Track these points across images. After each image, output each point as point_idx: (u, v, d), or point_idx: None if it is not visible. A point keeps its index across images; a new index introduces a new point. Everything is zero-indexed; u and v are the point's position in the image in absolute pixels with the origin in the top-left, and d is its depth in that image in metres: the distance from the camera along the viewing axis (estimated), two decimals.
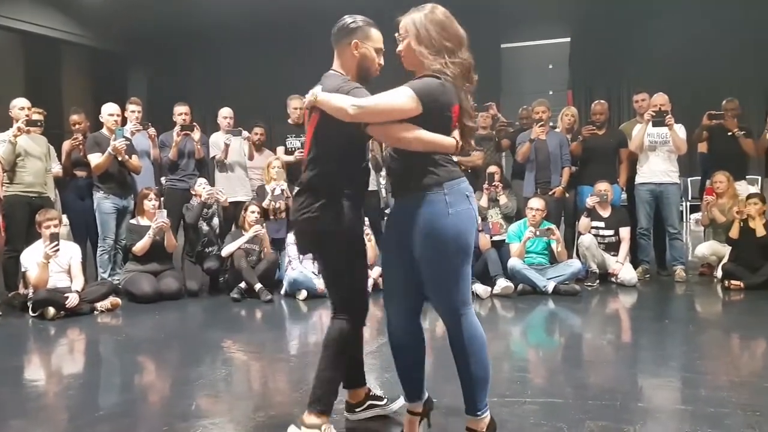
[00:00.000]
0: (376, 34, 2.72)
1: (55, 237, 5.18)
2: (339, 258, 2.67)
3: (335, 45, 2.74)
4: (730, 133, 6.50)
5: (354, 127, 2.46)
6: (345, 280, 2.72)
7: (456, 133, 2.54)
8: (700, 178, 7.79)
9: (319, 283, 5.82)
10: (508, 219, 6.49)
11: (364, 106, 2.40)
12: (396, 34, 2.58)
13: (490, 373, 2.60)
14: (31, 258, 5.29)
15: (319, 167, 2.62)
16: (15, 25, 11.68)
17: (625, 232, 6.24)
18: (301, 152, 6.45)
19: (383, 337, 4.43)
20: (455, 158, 2.58)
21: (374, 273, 6.05)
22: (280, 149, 6.78)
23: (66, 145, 6.33)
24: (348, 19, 2.74)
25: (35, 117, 5.89)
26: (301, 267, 5.88)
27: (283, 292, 5.89)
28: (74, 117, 6.47)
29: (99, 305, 5.36)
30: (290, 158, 6.57)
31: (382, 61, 2.71)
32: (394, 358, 2.72)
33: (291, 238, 5.87)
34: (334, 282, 2.76)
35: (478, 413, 2.56)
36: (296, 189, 2.74)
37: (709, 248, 6.51)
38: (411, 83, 2.45)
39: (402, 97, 2.38)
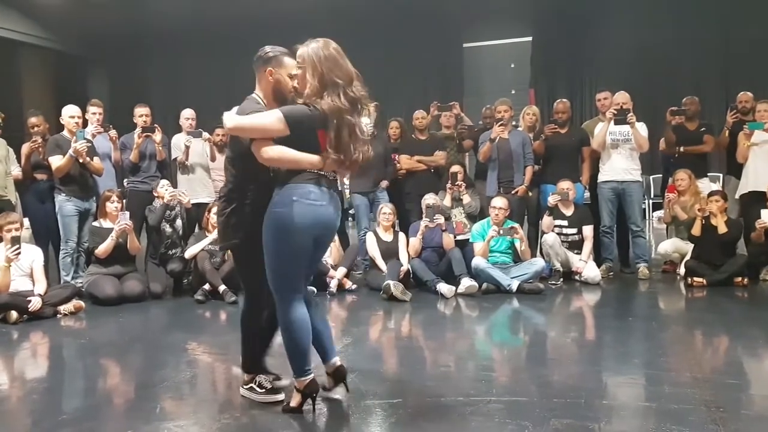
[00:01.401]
0: (289, 62, 3.02)
1: (16, 240, 5.09)
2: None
3: (255, 71, 3.08)
4: (676, 154, 6.68)
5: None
6: (248, 269, 3.13)
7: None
8: (662, 175, 7.95)
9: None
10: (472, 218, 6.55)
11: (238, 123, 2.82)
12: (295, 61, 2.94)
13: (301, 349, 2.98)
14: None
15: (228, 177, 3.09)
16: None
17: (588, 230, 6.33)
18: None
19: (348, 338, 4.46)
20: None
21: (339, 273, 6.06)
22: None
23: (25, 147, 6.19)
24: (267, 48, 3.06)
25: None
26: None
27: None
28: (32, 120, 6.34)
29: (62, 308, 5.27)
30: None
31: (295, 84, 2.97)
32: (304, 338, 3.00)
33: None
34: (240, 271, 3.24)
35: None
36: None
37: (671, 246, 6.63)
38: (282, 107, 2.86)
39: (271, 118, 2.79)
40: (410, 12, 12.42)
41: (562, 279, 6.19)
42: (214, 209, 5.98)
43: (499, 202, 6.02)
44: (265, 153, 2.80)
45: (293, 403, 3.02)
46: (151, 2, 11.79)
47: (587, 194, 6.77)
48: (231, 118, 2.84)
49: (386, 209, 6.30)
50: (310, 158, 2.86)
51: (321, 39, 2.90)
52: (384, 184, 6.77)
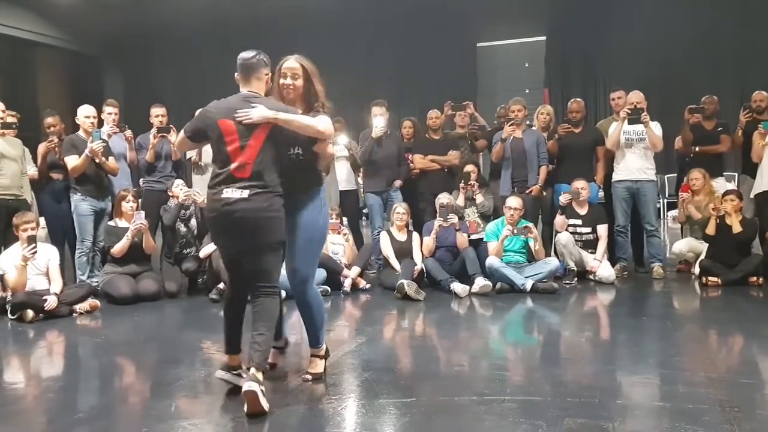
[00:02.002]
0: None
1: (32, 240, 5.14)
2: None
3: (251, 72, 3.34)
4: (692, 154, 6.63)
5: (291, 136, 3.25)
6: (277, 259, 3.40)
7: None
8: (676, 175, 7.90)
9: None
10: (485, 218, 6.54)
11: (327, 127, 3.30)
12: (288, 71, 3.39)
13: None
14: (8, 261, 5.24)
15: (272, 174, 3.24)
16: None
17: (602, 229, 6.30)
18: None
19: (362, 337, 4.46)
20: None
21: (353, 273, 6.07)
22: None
23: (41, 147, 6.25)
24: (254, 53, 3.38)
25: (9, 120, 5.82)
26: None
27: None
28: (48, 120, 6.40)
29: (78, 307, 5.32)
30: None
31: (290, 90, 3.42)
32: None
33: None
34: (264, 260, 3.31)
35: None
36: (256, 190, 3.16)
37: (686, 245, 6.59)
38: (324, 115, 3.39)
39: (329, 124, 3.36)
40: (424, 12, 12.43)
41: (576, 278, 6.16)
42: None
43: (514, 201, 6.01)
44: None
45: (320, 369, 3.49)
46: (166, 2, 11.88)
47: (602, 194, 6.75)
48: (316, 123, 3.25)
49: (400, 209, 6.30)
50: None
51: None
52: (397, 183, 6.77)
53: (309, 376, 3.45)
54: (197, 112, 3.39)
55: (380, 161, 6.69)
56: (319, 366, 3.50)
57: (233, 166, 3.15)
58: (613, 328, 4.88)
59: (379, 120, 6.57)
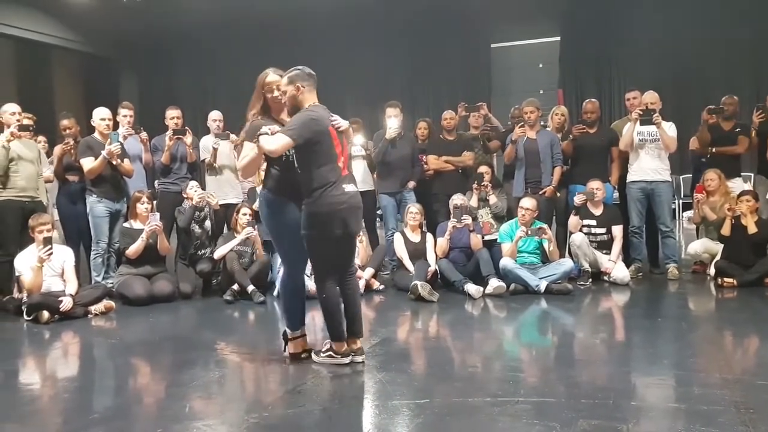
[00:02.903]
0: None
1: (48, 241, 5.18)
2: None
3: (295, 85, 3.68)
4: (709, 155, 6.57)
5: None
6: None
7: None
8: (692, 175, 7.83)
9: (311, 285, 5.81)
10: (499, 219, 6.51)
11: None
12: (273, 85, 3.71)
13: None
14: (24, 262, 5.28)
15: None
16: (6, 31, 11.64)
17: (617, 230, 6.26)
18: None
19: (376, 338, 4.46)
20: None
21: (366, 274, 6.07)
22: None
23: (57, 149, 6.31)
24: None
25: (26, 122, 5.88)
26: None
27: (275, 293, 5.87)
28: (64, 122, 6.46)
29: (93, 308, 5.35)
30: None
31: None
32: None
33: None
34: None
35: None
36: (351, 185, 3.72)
37: (701, 246, 6.54)
38: None
39: None
40: (438, 12, 12.41)
41: (590, 279, 6.12)
42: (243, 210, 6.07)
43: (527, 202, 5.98)
44: None
45: (290, 350, 3.91)
46: (180, 5, 11.95)
47: (616, 194, 6.71)
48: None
49: (413, 209, 6.30)
50: None
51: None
52: (411, 184, 6.76)
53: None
54: (302, 121, 3.56)
55: (394, 162, 6.69)
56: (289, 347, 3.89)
57: (340, 165, 3.66)
58: (627, 330, 4.85)
59: (392, 121, 6.58)
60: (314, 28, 12.40)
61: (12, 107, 5.89)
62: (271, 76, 3.75)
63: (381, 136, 6.72)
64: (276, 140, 3.50)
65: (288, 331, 3.91)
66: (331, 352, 3.75)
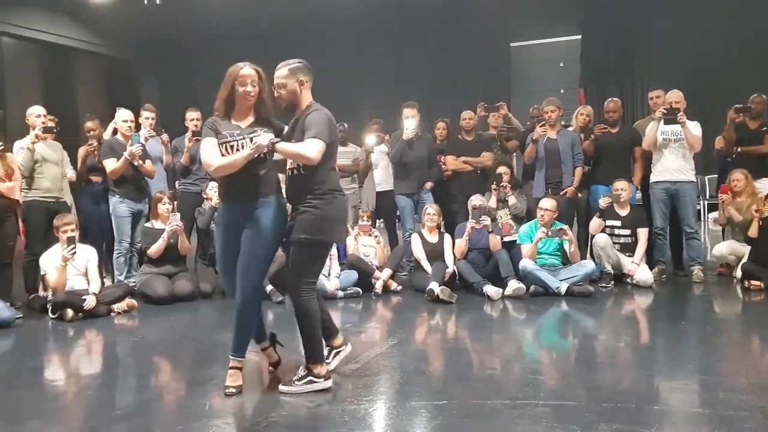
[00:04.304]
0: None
1: (72, 241, 5.26)
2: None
3: (292, 78, 3.46)
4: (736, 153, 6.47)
5: None
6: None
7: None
8: (717, 175, 7.71)
9: (329, 285, 5.84)
10: (518, 220, 6.47)
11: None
12: (248, 79, 3.40)
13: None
14: (49, 261, 5.37)
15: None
16: (30, 34, 11.83)
17: (643, 232, 6.17)
18: None
19: (393, 339, 4.45)
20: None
21: (384, 275, 6.06)
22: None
23: (81, 151, 6.40)
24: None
25: (50, 124, 5.97)
26: None
27: None
28: (89, 124, 6.54)
29: (115, 307, 5.42)
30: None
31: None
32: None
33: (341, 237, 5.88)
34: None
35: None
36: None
37: (727, 248, 6.43)
38: None
39: None
40: (457, 12, 12.38)
41: (613, 282, 6.05)
42: None
43: (547, 203, 5.93)
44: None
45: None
46: (200, 8, 12.05)
47: (639, 195, 6.63)
48: None
49: (431, 210, 6.28)
50: None
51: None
52: (428, 185, 6.73)
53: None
54: (324, 121, 3.31)
55: (411, 163, 6.66)
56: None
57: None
58: (650, 333, 4.79)
59: (410, 122, 6.55)
60: (333, 28, 12.43)
61: (37, 110, 5.99)
62: (247, 69, 3.42)
63: (398, 136, 6.71)
64: (312, 146, 3.21)
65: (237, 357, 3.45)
66: (311, 377, 3.33)
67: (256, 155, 3.22)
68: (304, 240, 3.29)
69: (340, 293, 5.88)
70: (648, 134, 6.31)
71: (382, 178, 7.22)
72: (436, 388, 3.43)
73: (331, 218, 3.37)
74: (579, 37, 12.74)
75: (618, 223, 6.20)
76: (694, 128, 6.16)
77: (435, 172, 6.82)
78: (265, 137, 3.25)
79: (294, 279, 3.35)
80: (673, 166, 6.24)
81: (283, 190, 3.47)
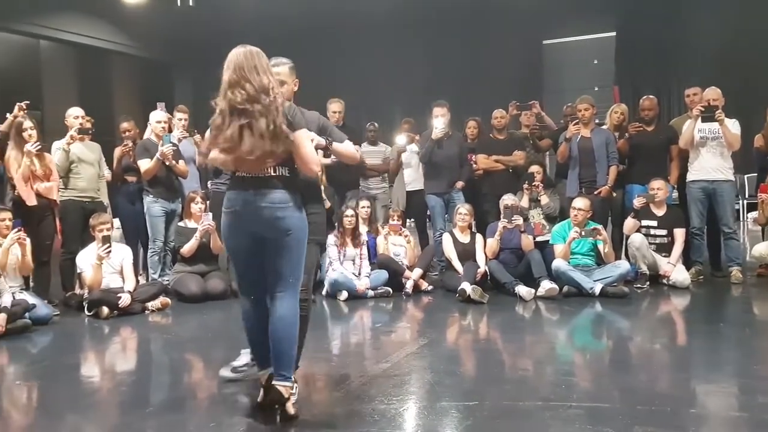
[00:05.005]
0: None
1: (107, 240, 5.36)
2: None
3: (288, 77, 3.40)
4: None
5: None
6: None
7: None
8: (756, 174, 7.53)
9: (359, 284, 5.85)
10: (551, 219, 6.39)
11: None
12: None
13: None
14: (85, 260, 5.47)
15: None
16: (67, 37, 12.10)
17: (679, 233, 6.04)
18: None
19: (424, 339, 4.44)
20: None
21: (415, 274, 6.05)
22: (319, 152, 6.80)
23: (117, 151, 6.52)
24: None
25: (86, 125, 6.09)
26: (341, 268, 5.93)
27: (324, 292, 5.94)
28: (124, 125, 6.65)
29: (150, 305, 5.51)
30: (327, 161, 6.57)
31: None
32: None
33: (331, 239, 5.91)
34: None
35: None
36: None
37: (767, 248, 6.27)
38: None
39: None
40: (488, 9, 12.30)
41: (648, 282, 5.94)
42: None
43: (580, 202, 5.85)
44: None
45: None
46: (232, 8, 12.17)
47: (675, 194, 6.50)
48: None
49: (462, 209, 6.23)
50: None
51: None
52: (459, 185, 6.66)
53: None
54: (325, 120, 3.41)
55: (441, 163, 6.60)
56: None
57: None
58: (687, 334, 4.70)
59: (438, 121, 6.49)
60: (365, 27, 12.44)
61: (75, 111, 6.13)
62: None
63: (428, 136, 6.67)
64: (352, 146, 3.41)
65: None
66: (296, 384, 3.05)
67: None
68: (317, 241, 3.34)
69: (371, 293, 5.88)
70: (685, 132, 6.19)
71: (413, 177, 7.21)
72: (467, 388, 3.41)
73: (323, 220, 3.44)
74: (613, 33, 12.56)
75: (654, 223, 6.08)
76: (733, 126, 6.02)
77: (466, 172, 6.76)
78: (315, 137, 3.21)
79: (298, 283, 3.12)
80: (710, 165, 6.11)
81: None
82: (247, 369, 3.46)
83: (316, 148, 3.15)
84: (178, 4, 11.86)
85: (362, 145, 7.09)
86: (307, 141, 3.00)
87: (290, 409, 2.92)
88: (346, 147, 3.40)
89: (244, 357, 3.51)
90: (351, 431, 2.86)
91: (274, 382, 2.91)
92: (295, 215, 2.94)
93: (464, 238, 6.19)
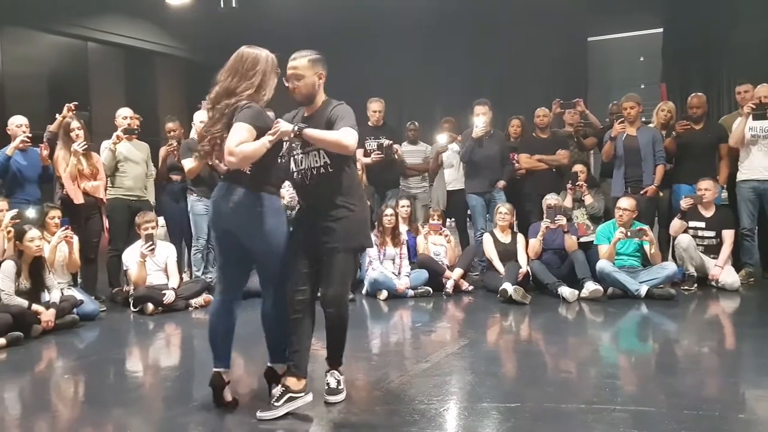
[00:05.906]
0: None
1: (150, 238, 5.47)
2: None
3: (311, 69, 3.32)
4: None
5: None
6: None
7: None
8: None
9: (399, 283, 5.84)
10: (595, 220, 6.28)
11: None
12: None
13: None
14: (131, 257, 5.61)
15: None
16: (114, 39, 12.41)
17: (728, 234, 5.88)
18: (378, 154, 6.49)
19: (464, 339, 4.40)
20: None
21: (455, 274, 6.01)
22: (360, 151, 6.81)
23: (162, 151, 6.64)
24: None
25: (134, 125, 6.23)
26: (381, 267, 5.93)
27: (364, 291, 5.95)
28: (169, 125, 6.78)
29: (193, 302, 5.61)
30: (367, 160, 6.60)
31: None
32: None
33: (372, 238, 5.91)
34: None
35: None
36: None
37: None
38: None
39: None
40: (531, 6, 12.14)
41: (696, 284, 5.79)
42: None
43: (625, 202, 5.74)
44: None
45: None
46: (275, 9, 12.29)
47: (725, 194, 6.32)
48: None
49: (503, 209, 6.17)
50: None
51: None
52: (501, 184, 6.60)
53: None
54: (350, 112, 3.12)
55: (481, 162, 6.54)
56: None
57: None
58: (736, 338, 4.57)
59: (479, 120, 6.42)
60: (406, 26, 12.41)
61: (124, 111, 6.29)
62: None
63: (469, 135, 6.62)
64: (351, 134, 2.96)
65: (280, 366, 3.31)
66: (290, 394, 3.08)
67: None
68: (351, 248, 3.14)
69: (411, 292, 5.87)
70: (735, 130, 6.03)
71: (454, 176, 7.16)
72: (508, 390, 3.37)
73: (366, 219, 3.27)
74: (660, 30, 12.27)
75: (702, 224, 5.93)
76: None
77: (508, 171, 6.69)
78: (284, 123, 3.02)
79: (341, 289, 3.13)
80: (762, 164, 5.96)
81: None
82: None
83: (283, 135, 2.97)
84: (222, 5, 12.03)
85: (402, 144, 7.09)
86: (233, 132, 2.99)
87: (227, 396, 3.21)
88: (329, 134, 2.98)
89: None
90: (391, 431, 2.85)
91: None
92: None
93: (505, 238, 6.13)
